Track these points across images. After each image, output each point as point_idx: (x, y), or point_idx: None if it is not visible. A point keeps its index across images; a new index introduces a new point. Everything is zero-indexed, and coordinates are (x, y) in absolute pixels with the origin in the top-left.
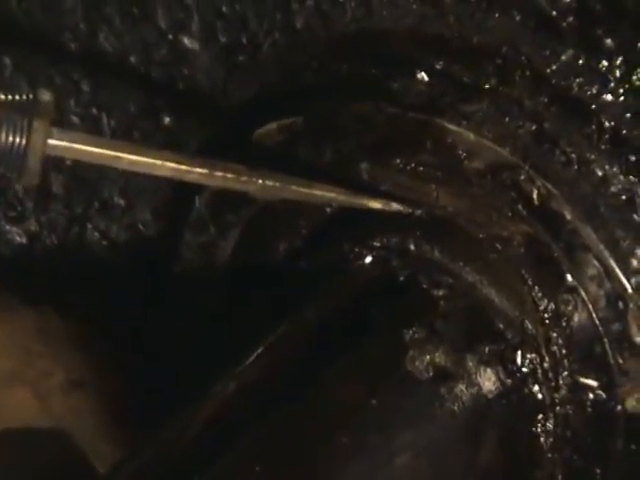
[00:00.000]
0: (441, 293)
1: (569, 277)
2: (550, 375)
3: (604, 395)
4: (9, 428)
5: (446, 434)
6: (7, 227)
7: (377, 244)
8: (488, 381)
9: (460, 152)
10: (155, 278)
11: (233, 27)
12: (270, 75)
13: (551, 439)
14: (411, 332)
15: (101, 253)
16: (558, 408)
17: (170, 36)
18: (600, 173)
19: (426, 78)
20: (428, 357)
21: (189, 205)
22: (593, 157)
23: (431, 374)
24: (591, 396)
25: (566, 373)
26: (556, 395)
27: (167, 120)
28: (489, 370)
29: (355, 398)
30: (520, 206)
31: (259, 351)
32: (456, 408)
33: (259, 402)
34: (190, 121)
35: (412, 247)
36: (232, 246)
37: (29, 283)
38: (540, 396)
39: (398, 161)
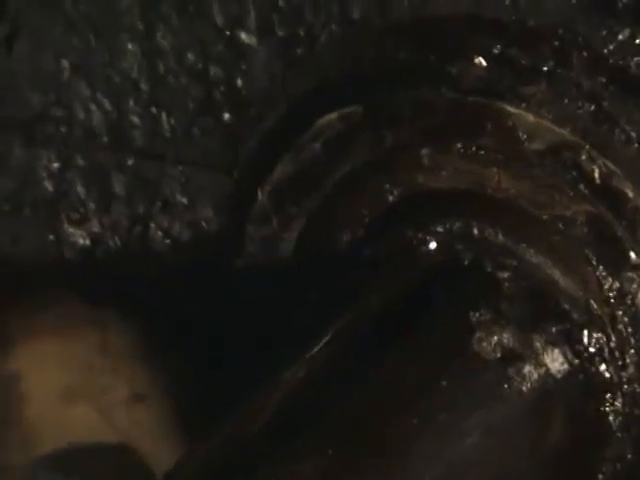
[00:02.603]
0: (505, 275)
1: (633, 255)
2: (617, 354)
3: None
4: (73, 443)
5: (514, 414)
6: (70, 230)
7: (440, 229)
8: (555, 361)
9: (520, 134)
10: (219, 275)
11: (290, 20)
12: (328, 66)
13: (620, 418)
14: (477, 314)
15: (164, 252)
16: (626, 387)
17: (227, 32)
18: None
19: (484, 62)
20: (495, 338)
21: (251, 199)
22: None
23: (499, 355)
24: None
25: (633, 351)
26: (623, 374)
27: (226, 116)
28: (556, 350)
29: (423, 380)
30: (582, 186)
31: (326, 338)
32: (524, 388)
33: (328, 387)
34: (249, 116)
35: (475, 231)
36: (295, 238)
37: (93, 285)
38: (607, 375)
39: (459, 145)
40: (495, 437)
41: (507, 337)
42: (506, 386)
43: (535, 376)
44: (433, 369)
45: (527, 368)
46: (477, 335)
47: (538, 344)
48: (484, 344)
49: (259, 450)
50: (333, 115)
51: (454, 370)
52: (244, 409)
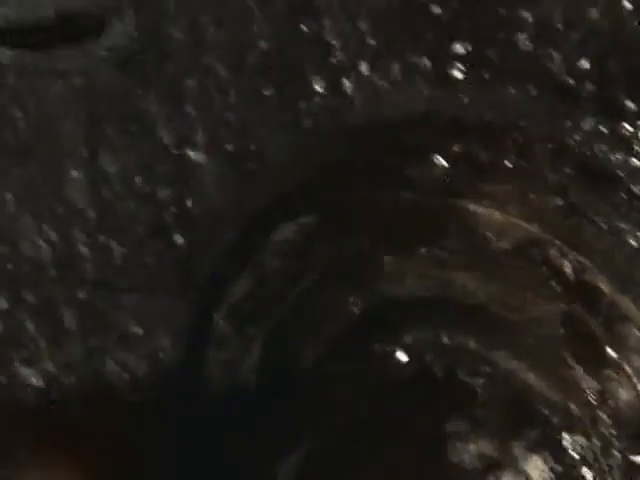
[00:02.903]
0: (480, 382)
1: (611, 352)
2: (601, 458)
3: None
4: None
5: None
6: (22, 369)
7: (409, 341)
8: (536, 468)
9: (486, 233)
10: (180, 405)
11: (238, 134)
12: (281, 177)
13: None
14: (453, 423)
15: (122, 389)
16: None
17: (174, 151)
18: (634, 243)
19: (443, 162)
20: (473, 447)
21: (208, 323)
22: (625, 226)
23: (478, 464)
24: None
25: (617, 454)
26: (609, 478)
27: (178, 239)
28: (536, 457)
29: None
30: (554, 282)
31: (293, 460)
32: None
33: None
34: (202, 237)
35: (446, 339)
36: (257, 359)
37: (45, 431)
38: None
39: (422, 250)
40: None
41: (485, 445)
42: None
43: None
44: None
45: (506, 477)
46: (455, 445)
47: (517, 451)
48: (463, 454)
49: None
50: (289, 227)
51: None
52: None
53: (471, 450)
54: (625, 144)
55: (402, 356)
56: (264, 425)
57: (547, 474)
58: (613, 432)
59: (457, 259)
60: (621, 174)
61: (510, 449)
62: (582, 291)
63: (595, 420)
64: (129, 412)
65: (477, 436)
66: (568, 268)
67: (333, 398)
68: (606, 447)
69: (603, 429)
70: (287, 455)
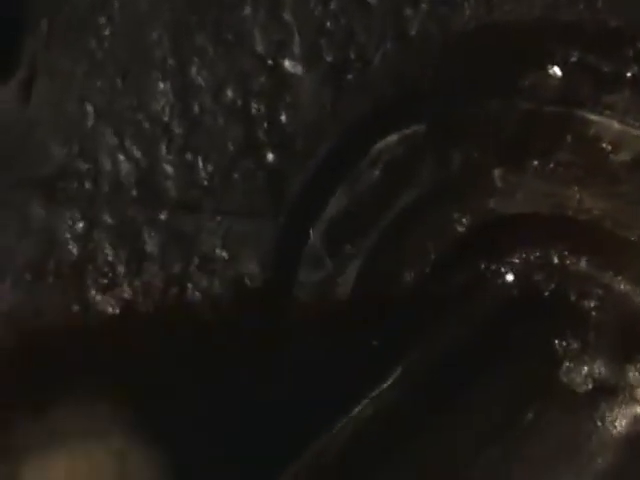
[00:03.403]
0: (592, 305)
1: None
2: None
3: None
4: None
5: (608, 453)
6: (97, 297)
7: (516, 260)
8: None
9: (604, 145)
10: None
11: (339, 43)
12: (384, 88)
13: None
14: (564, 343)
15: (204, 315)
16: None
17: (269, 61)
18: None
19: (559, 72)
20: (586, 368)
21: (300, 245)
22: None
23: (590, 386)
24: None
25: None
26: None
27: (270, 157)
28: None
29: (508, 414)
30: None
31: (395, 376)
32: (618, 424)
33: (399, 426)
34: (296, 153)
35: (555, 259)
36: (352, 281)
37: (120, 358)
38: None
39: (535, 163)
40: (588, 475)
41: (598, 368)
42: (599, 420)
43: (629, 412)
44: (519, 403)
45: (621, 401)
46: (565, 365)
47: (631, 375)
48: (573, 375)
49: None
50: (392, 138)
51: (542, 403)
52: (309, 451)
53: (583, 372)
54: None
55: (509, 276)
56: (356, 349)
57: None
58: None
59: (572, 173)
60: None
61: (624, 374)
62: None
63: None
64: (210, 340)
65: (589, 358)
66: None
67: (436, 320)
68: None
69: None
70: (379, 382)
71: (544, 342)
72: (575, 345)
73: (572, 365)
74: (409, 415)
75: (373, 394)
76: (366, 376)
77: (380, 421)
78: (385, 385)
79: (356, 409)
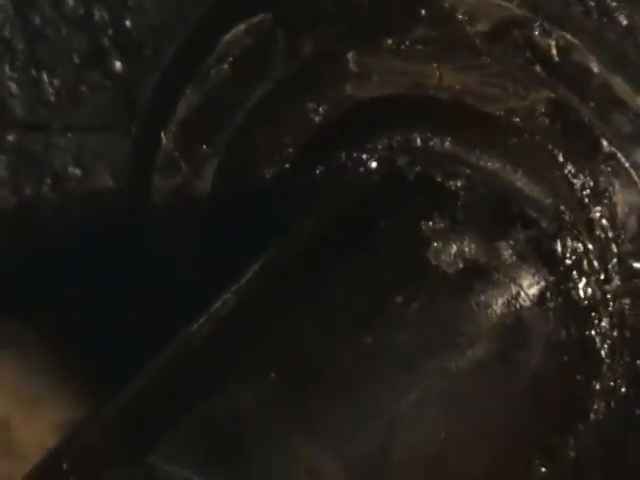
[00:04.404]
0: (459, 184)
1: (604, 143)
2: (597, 265)
3: None
4: None
5: (483, 338)
6: None
7: (378, 145)
8: (527, 277)
9: (460, 16)
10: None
11: None
12: None
13: (608, 342)
14: (430, 223)
15: (59, 236)
16: (612, 303)
17: None
18: (625, 22)
19: None
20: (455, 248)
21: (154, 151)
22: (614, 4)
23: (460, 266)
24: None
25: (616, 260)
26: (607, 287)
27: (117, 65)
28: (526, 265)
29: (376, 297)
30: (538, 67)
31: (255, 268)
32: (494, 306)
33: (263, 315)
34: (144, 59)
35: (418, 142)
36: (210, 183)
37: None
38: (589, 291)
39: (390, 42)
40: (463, 360)
41: (468, 246)
42: (473, 304)
43: (505, 293)
44: (387, 286)
45: (495, 282)
46: (433, 245)
47: (506, 254)
48: (442, 255)
49: (192, 384)
50: (239, 28)
51: (410, 286)
52: (171, 345)
53: (452, 251)
54: None
55: (372, 162)
56: (217, 253)
57: (541, 284)
58: (610, 235)
59: (429, 49)
60: None
61: (497, 252)
62: (569, 73)
63: (590, 223)
64: (70, 263)
65: (457, 237)
66: (553, 48)
67: (300, 213)
68: (603, 253)
69: (599, 232)
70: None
71: (411, 225)
72: (442, 225)
73: (440, 245)
74: (273, 304)
75: (233, 288)
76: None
77: (242, 314)
78: (247, 277)
79: (215, 304)
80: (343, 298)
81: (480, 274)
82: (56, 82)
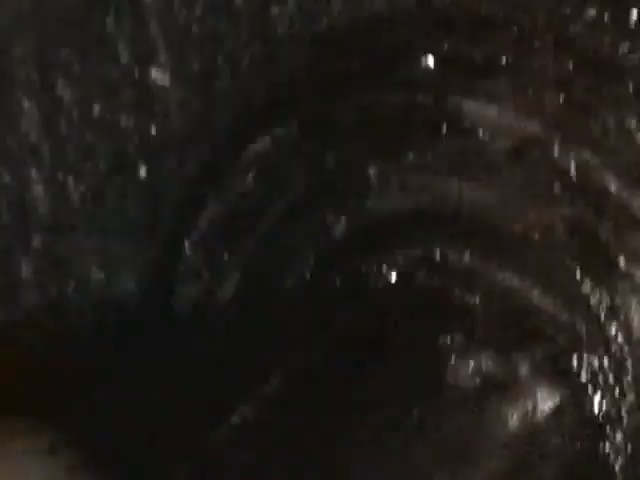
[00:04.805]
0: (477, 300)
1: (622, 262)
2: (613, 380)
3: None
4: None
5: (499, 451)
6: None
7: (398, 259)
8: (543, 391)
9: (481, 133)
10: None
11: (206, 49)
12: (254, 90)
13: (622, 458)
14: (448, 339)
15: (84, 339)
16: (626, 419)
17: (136, 72)
18: None
19: (432, 64)
20: (472, 364)
21: (177, 259)
22: (634, 123)
23: (478, 382)
24: None
25: (630, 377)
26: (622, 404)
27: (142, 172)
28: (543, 378)
29: (394, 414)
30: (557, 185)
31: (275, 380)
32: (510, 421)
33: (282, 425)
34: (169, 165)
35: (438, 256)
36: (232, 292)
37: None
38: (604, 405)
39: (411, 157)
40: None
41: (485, 362)
42: (489, 419)
43: (521, 407)
44: (402, 402)
45: (511, 397)
46: (451, 361)
47: (522, 369)
48: (460, 372)
49: None
50: (264, 141)
51: (427, 402)
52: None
53: (469, 367)
54: (631, 33)
55: (392, 276)
56: (236, 359)
57: (556, 398)
58: (626, 351)
59: (449, 165)
60: (627, 66)
61: (515, 367)
62: (588, 192)
63: (607, 338)
64: (93, 361)
65: (475, 352)
66: (572, 166)
67: (320, 325)
68: (618, 369)
69: (615, 348)
70: (258, 389)
71: (429, 339)
72: (460, 340)
73: (458, 361)
74: (290, 417)
75: (254, 398)
76: (247, 384)
77: (262, 426)
78: (267, 389)
79: (235, 416)
80: (358, 413)
81: (497, 389)
82: (82, 187)
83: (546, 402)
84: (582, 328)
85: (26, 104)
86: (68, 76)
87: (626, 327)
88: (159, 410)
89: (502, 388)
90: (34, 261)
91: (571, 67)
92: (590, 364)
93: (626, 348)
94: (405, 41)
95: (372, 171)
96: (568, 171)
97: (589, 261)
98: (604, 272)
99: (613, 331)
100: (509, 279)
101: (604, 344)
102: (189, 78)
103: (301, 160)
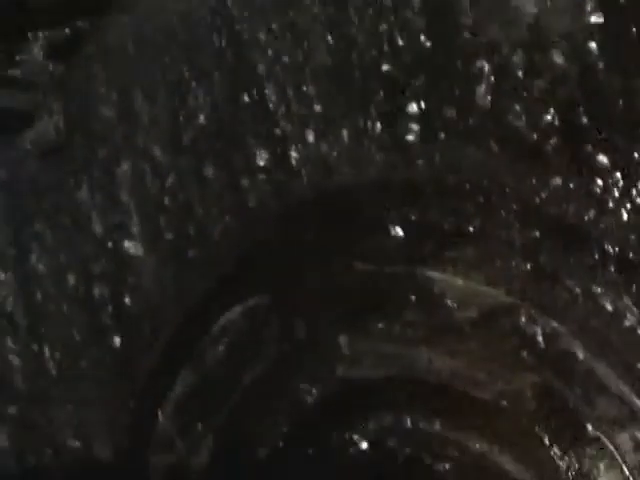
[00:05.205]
0: (447, 466)
1: (590, 427)
2: None
3: None
4: None
5: None
6: None
7: (369, 426)
8: None
9: (449, 302)
10: None
11: (178, 220)
12: (225, 261)
13: None
14: None
15: None
16: None
17: (109, 244)
18: (610, 307)
19: (401, 232)
20: None
21: (152, 427)
22: (600, 290)
23: None
24: None
25: None
26: None
27: (117, 341)
28: None
29: None
30: (525, 352)
31: None
32: None
33: None
34: (143, 336)
35: (409, 423)
36: (205, 461)
37: None
38: None
39: (380, 326)
40: None
41: None
42: None
43: None
44: None
45: None
46: None
47: None
48: None
49: None
50: (235, 311)
51: None
52: None
53: None
54: (597, 200)
55: (363, 443)
56: None
57: None
58: None
59: (419, 333)
60: (593, 233)
61: None
62: (555, 360)
63: None
64: None
65: None
66: (539, 335)
67: None
68: None
69: None
70: None
71: None
72: None
73: None
74: None
75: None
76: None
77: None
78: None
79: None
80: None
81: None
82: (57, 356)
83: None
84: None
85: (2, 276)
86: (42, 247)
87: None
88: None
89: None
90: (10, 429)
91: (538, 235)
92: None
93: None
94: (372, 211)
95: (342, 340)
96: (535, 338)
97: (558, 426)
98: (573, 437)
99: None
100: (480, 445)
101: None
102: (161, 248)
103: (272, 330)
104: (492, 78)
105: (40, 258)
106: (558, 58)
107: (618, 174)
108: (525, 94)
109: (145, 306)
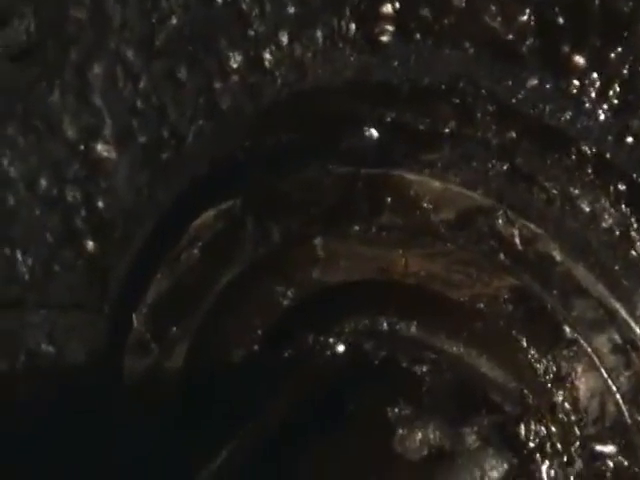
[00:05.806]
0: (424, 369)
1: (567, 329)
2: (560, 447)
3: (625, 461)
4: None
5: None
6: None
7: (345, 329)
8: (491, 460)
9: (426, 204)
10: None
11: (151, 122)
12: (199, 164)
13: None
14: (396, 410)
15: (33, 413)
16: None
17: (81, 147)
18: (588, 209)
19: (376, 134)
20: (420, 435)
21: (126, 331)
22: (577, 191)
23: (425, 453)
24: (611, 465)
25: (578, 443)
26: (570, 470)
27: (90, 245)
28: (490, 447)
29: None
30: (502, 255)
31: (225, 455)
32: None
33: None
34: (116, 240)
35: (385, 326)
36: (180, 364)
37: None
38: (552, 473)
39: (356, 228)
40: None
41: (433, 432)
42: None
43: (469, 477)
44: (351, 474)
45: (459, 467)
46: (399, 432)
47: (469, 439)
48: (407, 442)
49: None
50: (209, 214)
51: (375, 474)
52: None
53: (417, 438)
54: (573, 101)
55: (339, 346)
56: (188, 431)
57: (504, 466)
58: (573, 419)
59: (395, 235)
60: (571, 134)
61: (462, 437)
62: (533, 262)
63: (553, 406)
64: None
65: (423, 423)
66: (516, 236)
67: (268, 395)
68: (566, 436)
69: (562, 415)
70: (210, 462)
71: (377, 411)
72: (408, 411)
73: (405, 432)
74: None
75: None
76: (198, 455)
77: None
78: (219, 462)
79: None
80: None
81: (445, 459)
82: (29, 260)
83: (494, 470)
84: (529, 396)
85: None
86: (13, 151)
87: (572, 394)
88: None
89: (450, 458)
90: None
91: (514, 136)
92: (537, 432)
93: (572, 415)
94: (348, 113)
95: (318, 242)
96: (513, 240)
97: (535, 329)
98: (550, 340)
99: (560, 398)
100: (456, 348)
101: (551, 412)
102: (134, 151)
103: (246, 233)
104: None
105: (12, 162)
106: None
107: (595, 74)
108: None
109: (118, 209)
